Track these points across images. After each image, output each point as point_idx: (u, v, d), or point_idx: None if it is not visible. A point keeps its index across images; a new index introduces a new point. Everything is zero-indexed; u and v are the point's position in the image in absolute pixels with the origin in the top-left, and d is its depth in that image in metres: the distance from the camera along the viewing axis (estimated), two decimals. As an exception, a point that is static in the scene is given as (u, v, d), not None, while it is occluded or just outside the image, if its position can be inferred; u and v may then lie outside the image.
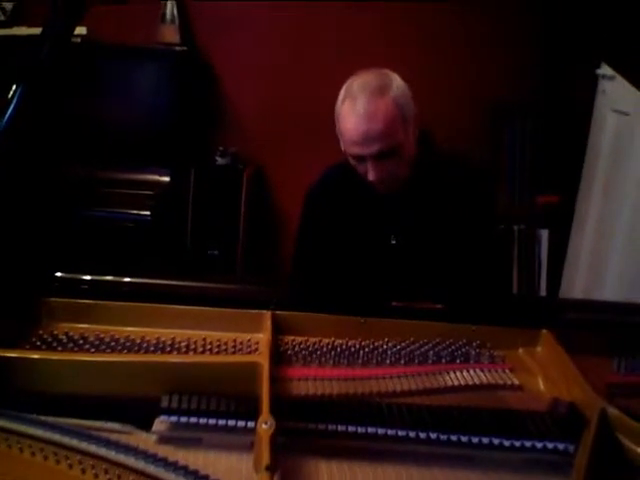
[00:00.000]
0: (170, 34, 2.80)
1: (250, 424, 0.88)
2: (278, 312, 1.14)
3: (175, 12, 2.79)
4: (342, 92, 1.54)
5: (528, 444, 0.89)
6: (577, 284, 2.67)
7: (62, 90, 2.26)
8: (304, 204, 1.75)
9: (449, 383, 1.04)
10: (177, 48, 2.80)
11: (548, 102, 2.84)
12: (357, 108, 1.47)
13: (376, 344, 1.12)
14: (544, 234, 2.92)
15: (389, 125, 1.47)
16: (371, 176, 1.51)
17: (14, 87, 0.97)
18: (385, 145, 1.48)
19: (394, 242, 1.62)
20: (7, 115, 0.98)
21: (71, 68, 2.35)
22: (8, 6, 2.87)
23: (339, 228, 1.66)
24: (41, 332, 1.09)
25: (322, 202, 1.71)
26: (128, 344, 1.08)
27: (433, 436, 0.89)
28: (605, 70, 2.51)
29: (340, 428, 0.89)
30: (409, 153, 1.55)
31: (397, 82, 1.52)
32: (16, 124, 0.99)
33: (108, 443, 0.85)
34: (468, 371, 1.07)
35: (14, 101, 0.98)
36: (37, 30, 2.60)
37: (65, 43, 1.03)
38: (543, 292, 2.89)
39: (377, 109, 1.47)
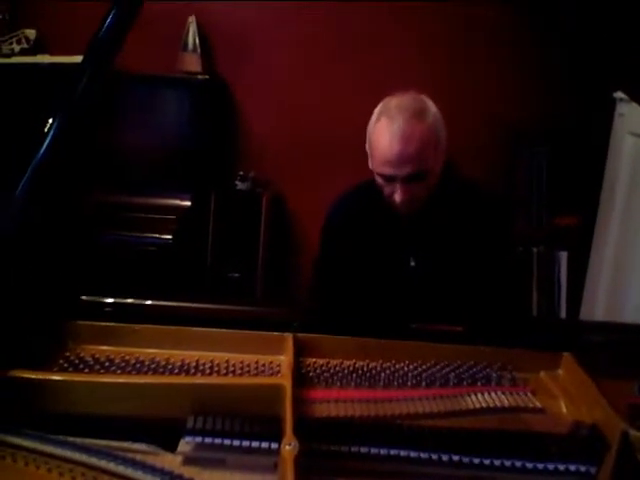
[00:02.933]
0: (192, 63, 2.84)
1: (274, 445, 0.89)
2: (299, 334, 1.15)
3: (197, 41, 2.84)
4: (377, 111, 1.55)
5: (550, 466, 0.89)
6: (597, 306, 2.65)
7: (92, 119, 2.31)
8: (325, 222, 1.76)
9: (470, 405, 1.04)
10: (199, 77, 2.85)
11: (566, 124, 2.85)
12: (394, 127, 1.47)
13: (397, 366, 1.13)
14: (563, 256, 2.90)
15: (422, 150, 1.47)
16: (398, 197, 1.51)
17: (51, 120, 0.99)
18: (416, 169, 1.48)
19: (413, 264, 1.63)
20: (42, 149, 0.99)
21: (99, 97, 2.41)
22: (31, 34, 2.93)
23: (359, 248, 1.67)
24: (68, 354, 1.11)
25: (343, 221, 1.72)
26: (153, 366, 1.09)
27: (455, 458, 0.90)
28: (622, 93, 2.51)
29: (363, 450, 0.90)
30: (434, 180, 1.55)
31: (433, 109, 1.53)
32: (51, 158, 0.99)
33: (135, 464, 0.87)
34: (489, 394, 1.07)
35: (50, 134, 0.99)
36: (60, 59, 2.71)
37: (104, 76, 1.03)
38: (563, 314, 2.87)
39: (414, 132, 1.46)
